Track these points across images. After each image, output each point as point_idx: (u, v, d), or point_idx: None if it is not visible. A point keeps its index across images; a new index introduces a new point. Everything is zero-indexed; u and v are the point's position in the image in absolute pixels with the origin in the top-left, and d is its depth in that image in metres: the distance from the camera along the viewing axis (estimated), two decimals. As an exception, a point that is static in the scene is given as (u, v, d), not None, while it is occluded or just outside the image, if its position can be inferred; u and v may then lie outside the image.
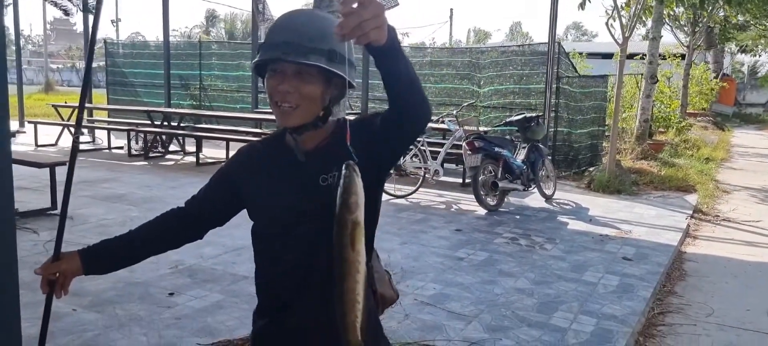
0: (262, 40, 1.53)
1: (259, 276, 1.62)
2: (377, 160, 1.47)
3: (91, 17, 12.38)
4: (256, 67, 1.53)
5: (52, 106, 12.47)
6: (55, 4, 10.88)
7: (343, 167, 1.25)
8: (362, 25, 1.13)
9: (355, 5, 1.13)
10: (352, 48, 1.52)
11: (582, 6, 8.43)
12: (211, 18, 53.20)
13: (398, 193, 7.60)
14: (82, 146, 11.29)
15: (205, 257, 4.82)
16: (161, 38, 13.61)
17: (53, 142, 11.63)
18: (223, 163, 1.73)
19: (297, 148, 1.53)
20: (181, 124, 11.38)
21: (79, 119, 1.89)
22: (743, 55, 28.93)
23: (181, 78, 14.64)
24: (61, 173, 6.71)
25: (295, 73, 1.43)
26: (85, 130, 12.09)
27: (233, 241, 5.07)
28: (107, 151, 11.25)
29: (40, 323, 3.40)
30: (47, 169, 6.41)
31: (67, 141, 11.63)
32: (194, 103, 14.52)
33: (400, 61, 1.27)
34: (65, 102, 13.67)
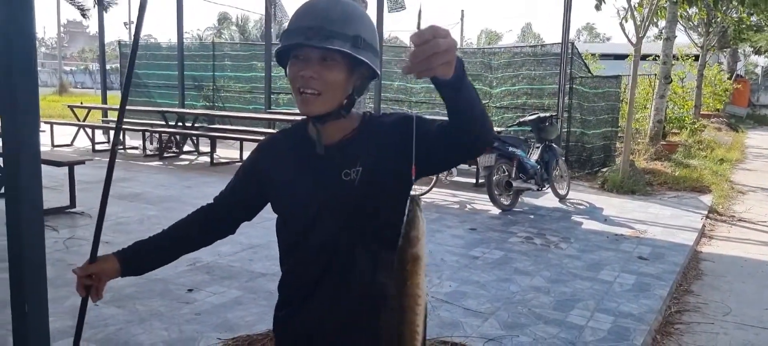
0: (284, 30, 1.47)
1: (283, 268, 1.60)
2: (408, 168, 1.37)
3: (103, 15, 12.50)
4: (278, 58, 1.48)
5: (69, 106, 12.59)
6: (73, 2, 11.01)
7: (409, 201, 1.19)
8: (432, 59, 1.06)
9: (430, 37, 1.05)
10: (376, 36, 1.47)
11: (598, 7, 8.41)
12: (224, 20, 53.47)
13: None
14: (97, 146, 11.41)
15: (222, 254, 4.86)
16: (174, 40, 13.73)
17: (69, 143, 11.75)
18: (246, 158, 1.70)
19: (318, 140, 1.48)
20: (195, 125, 11.47)
21: (118, 129, 1.88)
22: (758, 56, 28.70)
23: (194, 79, 14.74)
24: (79, 172, 6.81)
25: (318, 59, 1.38)
26: (108, 134, 12.22)
27: (249, 239, 5.11)
28: (122, 151, 11.34)
29: (64, 318, 3.50)
30: (66, 169, 6.48)
31: (82, 141, 11.75)
32: (207, 103, 14.61)
33: (462, 92, 1.20)
34: (81, 103, 13.79)
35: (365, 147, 1.45)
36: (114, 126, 11.89)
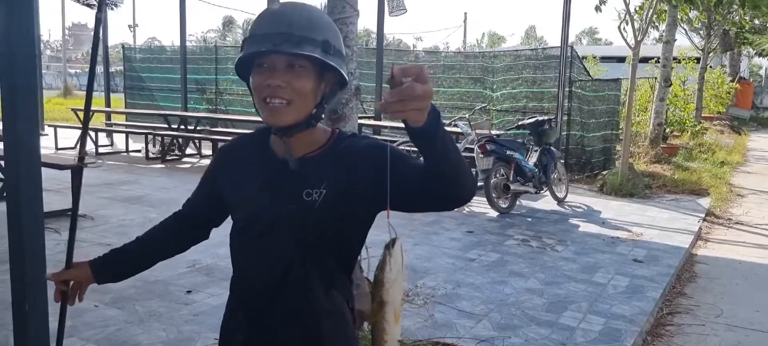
0: (245, 37, 1.41)
1: (233, 280, 1.52)
2: (379, 199, 1.29)
3: (107, 18, 12.59)
4: (239, 68, 1.41)
5: (73, 110, 12.70)
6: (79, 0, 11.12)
7: (385, 247, 1.17)
8: (406, 101, 1.03)
9: (408, 80, 1.03)
10: (342, 43, 1.44)
11: (598, 9, 8.47)
12: (229, 24, 53.67)
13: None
14: (100, 149, 11.51)
15: (220, 256, 4.94)
16: (177, 43, 13.84)
17: (73, 146, 11.86)
18: (210, 162, 1.66)
19: (289, 153, 1.41)
20: (198, 128, 11.56)
21: (83, 138, 1.87)
22: (761, 58, 28.68)
23: (197, 82, 14.84)
24: (83, 174, 6.88)
25: (286, 66, 1.33)
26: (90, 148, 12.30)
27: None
28: (125, 154, 11.45)
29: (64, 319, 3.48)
30: (68, 172, 6.57)
31: (86, 145, 11.84)
32: (210, 107, 14.71)
33: (437, 142, 1.14)
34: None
35: (333, 168, 1.39)
36: (117, 129, 11.91)
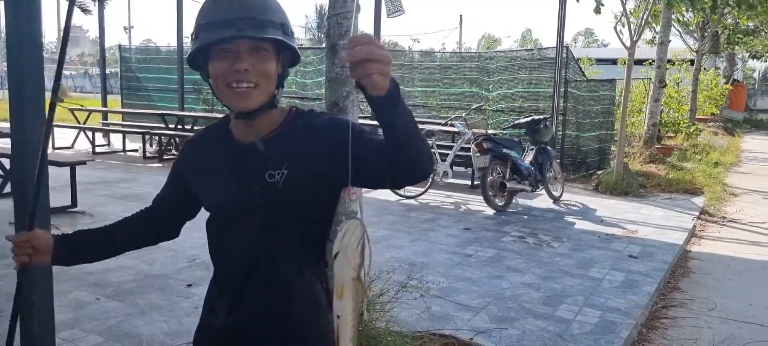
0: (200, 24, 1.37)
1: (215, 271, 1.54)
2: (341, 174, 1.30)
3: (104, 19, 12.59)
4: (193, 58, 1.39)
5: (70, 109, 12.71)
6: (74, 2, 11.17)
7: (345, 221, 1.15)
8: (368, 64, 1.05)
9: (367, 42, 1.06)
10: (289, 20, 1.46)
11: (597, 10, 8.54)
12: (223, 25, 53.71)
13: (407, 193, 7.74)
14: (98, 149, 11.53)
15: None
16: (173, 44, 13.86)
17: (70, 145, 11.87)
18: (177, 156, 1.65)
19: (256, 135, 1.41)
20: (195, 127, 11.58)
21: (47, 135, 1.66)
22: (755, 60, 28.85)
23: (194, 83, 14.85)
24: (81, 172, 6.92)
25: (249, 50, 1.34)
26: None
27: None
28: (122, 153, 11.47)
29: (65, 311, 3.61)
30: (67, 169, 6.60)
31: (83, 144, 11.87)
32: (207, 107, 14.71)
33: (398, 113, 1.16)
34: (81, 106, 13.91)
35: (292, 147, 1.40)
36: (114, 129, 11.94)
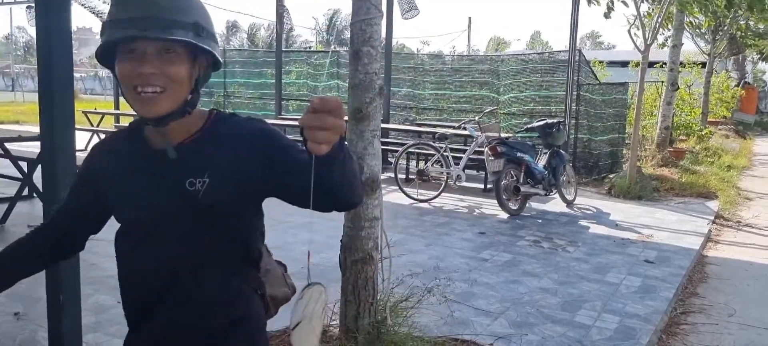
0: (105, 21, 1.27)
1: (121, 282, 1.42)
2: (266, 185, 1.30)
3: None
4: (101, 55, 1.29)
5: (83, 112, 12.79)
6: (86, 6, 11.24)
7: (307, 287, 1.13)
8: (318, 133, 1.04)
9: (324, 110, 1.04)
10: (212, 22, 1.35)
11: (607, 15, 8.53)
12: (233, 28, 53.94)
13: (421, 197, 7.74)
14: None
15: (237, 255, 5.00)
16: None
17: (83, 147, 11.94)
18: (82, 162, 1.52)
19: (167, 143, 1.31)
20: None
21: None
22: (766, 63, 28.66)
23: (205, 85, 14.93)
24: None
25: (157, 52, 1.23)
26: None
27: (267, 240, 5.24)
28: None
29: (88, 315, 3.63)
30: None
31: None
32: (218, 109, 14.80)
33: (334, 167, 1.14)
34: (95, 109, 14.01)
35: (214, 153, 1.31)
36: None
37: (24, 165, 6.04)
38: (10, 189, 6.34)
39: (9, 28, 76.88)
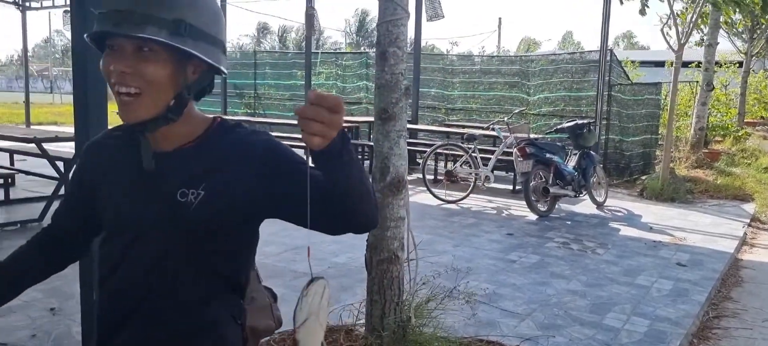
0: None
1: (99, 291, 1.33)
2: (266, 206, 1.22)
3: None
4: (97, 45, 1.20)
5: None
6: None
7: (304, 286, 1.08)
8: (312, 124, 0.98)
9: (325, 104, 0.98)
10: (215, 21, 1.22)
11: (642, 12, 8.39)
12: (263, 30, 54.52)
13: (449, 198, 7.73)
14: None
15: (267, 254, 5.05)
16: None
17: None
18: (76, 165, 1.44)
19: (145, 152, 1.22)
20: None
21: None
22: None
23: (235, 87, 15.13)
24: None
25: (134, 50, 1.13)
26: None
27: (293, 240, 5.29)
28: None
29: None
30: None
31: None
32: (249, 111, 14.98)
33: (338, 169, 1.07)
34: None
35: (213, 164, 1.22)
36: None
37: (60, 165, 6.20)
38: (48, 188, 6.53)
39: (48, 31, 78.83)
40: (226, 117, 1.35)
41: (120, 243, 1.26)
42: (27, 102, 15.57)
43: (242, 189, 1.20)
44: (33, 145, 6.27)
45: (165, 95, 1.16)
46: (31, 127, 13.85)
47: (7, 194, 6.40)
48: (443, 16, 10.26)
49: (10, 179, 6.55)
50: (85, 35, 1.20)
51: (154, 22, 1.11)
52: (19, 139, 6.53)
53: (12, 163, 8.26)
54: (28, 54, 17.18)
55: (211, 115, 1.32)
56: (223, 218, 1.21)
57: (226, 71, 1.26)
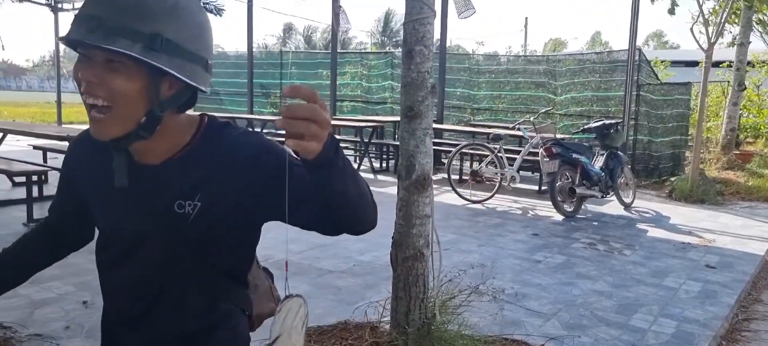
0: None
1: (103, 294, 1.31)
2: (266, 210, 1.16)
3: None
4: (72, 48, 1.12)
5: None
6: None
7: (286, 300, 1.05)
8: (304, 125, 0.90)
9: (311, 99, 0.92)
10: (202, 40, 1.15)
11: (672, 11, 8.27)
12: (288, 30, 54.91)
13: (474, 198, 7.72)
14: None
15: (292, 252, 5.11)
16: (241, 49, 14.31)
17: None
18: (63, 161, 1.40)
19: (118, 167, 1.16)
20: (263, 131, 11.90)
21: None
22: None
23: (262, 86, 15.28)
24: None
25: (105, 60, 1.06)
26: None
27: (317, 238, 5.32)
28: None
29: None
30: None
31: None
32: (275, 110, 15.11)
33: (332, 180, 1.00)
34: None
35: (207, 172, 1.16)
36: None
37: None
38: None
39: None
40: (215, 115, 1.25)
41: (119, 250, 1.23)
42: (58, 101, 15.91)
43: (240, 195, 1.15)
44: (66, 142, 6.43)
45: (135, 110, 1.09)
46: (63, 126, 14.16)
47: (40, 190, 6.55)
48: (474, 11, 10.23)
49: (43, 176, 6.71)
50: (58, 37, 1.13)
51: (128, 34, 1.04)
52: (54, 136, 6.69)
53: (45, 160, 8.46)
54: (59, 55, 17.54)
55: (198, 113, 1.26)
56: (223, 224, 1.17)
57: (206, 89, 1.17)
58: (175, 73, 1.08)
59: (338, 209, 1.06)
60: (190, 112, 1.23)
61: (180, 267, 1.19)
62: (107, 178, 1.19)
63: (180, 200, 1.15)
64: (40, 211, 6.28)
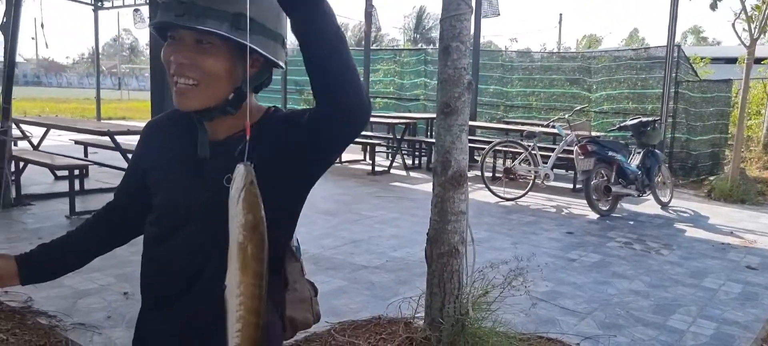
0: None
1: (142, 267, 1.34)
2: (302, 163, 1.21)
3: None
4: (159, 34, 1.23)
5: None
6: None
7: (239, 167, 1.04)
8: None
9: None
10: (280, 19, 1.22)
11: (714, 6, 8.08)
12: (321, 27, 55.16)
13: (507, 195, 7.67)
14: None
15: (326, 247, 5.15)
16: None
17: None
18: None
19: (201, 139, 1.24)
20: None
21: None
22: None
23: (296, 83, 15.41)
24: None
25: (194, 42, 1.16)
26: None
27: (351, 234, 5.36)
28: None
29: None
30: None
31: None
32: (307, 106, 15.22)
33: (315, 19, 1.05)
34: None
35: (257, 151, 1.17)
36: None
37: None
38: (119, 179, 6.83)
39: (116, 30, 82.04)
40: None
41: (168, 225, 1.27)
42: (98, 98, 16.29)
43: (284, 167, 1.20)
44: (106, 137, 6.58)
45: (222, 88, 1.18)
46: (102, 121, 14.48)
47: (82, 184, 6.72)
48: (498, 14, 10.20)
49: (84, 170, 6.88)
50: (148, 24, 1.21)
51: (215, 15, 1.12)
52: (95, 132, 6.85)
53: (86, 155, 8.68)
54: (99, 52, 17.93)
55: (266, 106, 1.32)
56: (268, 200, 1.13)
57: (283, 66, 1.26)
58: (260, 51, 1.17)
59: (328, 66, 1.08)
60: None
61: (219, 247, 1.16)
62: (172, 155, 1.28)
63: (229, 174, 1.15)
64: (82, 204, 6.45)
